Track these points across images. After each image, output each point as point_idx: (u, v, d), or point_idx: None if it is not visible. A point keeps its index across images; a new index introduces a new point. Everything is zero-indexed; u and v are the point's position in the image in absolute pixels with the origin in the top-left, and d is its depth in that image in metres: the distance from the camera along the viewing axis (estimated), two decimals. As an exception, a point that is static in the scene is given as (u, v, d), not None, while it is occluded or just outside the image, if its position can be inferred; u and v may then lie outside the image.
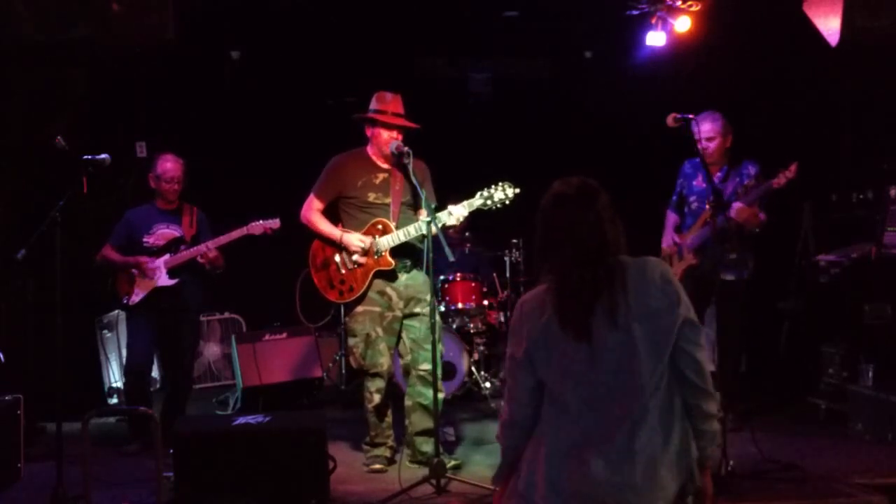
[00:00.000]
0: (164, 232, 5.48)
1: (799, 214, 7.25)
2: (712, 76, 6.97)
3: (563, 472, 2.25)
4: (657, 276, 2.31)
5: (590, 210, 2.36)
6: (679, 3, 6.25)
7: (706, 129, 5.26)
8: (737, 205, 5.07)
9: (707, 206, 5.15)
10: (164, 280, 5.39)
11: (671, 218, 5.64)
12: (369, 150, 4.87)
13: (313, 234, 4.90)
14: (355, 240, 4.72)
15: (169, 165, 5.47)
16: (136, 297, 5.40)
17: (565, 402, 2.29)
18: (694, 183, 5.45)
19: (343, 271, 4.81)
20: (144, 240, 5.45)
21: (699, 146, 5.22)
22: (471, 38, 7.39)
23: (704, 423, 2.34)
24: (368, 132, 4.85)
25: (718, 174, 5.31)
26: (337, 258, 4.82)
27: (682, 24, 6.32)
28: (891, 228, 5.55)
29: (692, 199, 5.45)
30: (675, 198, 5.62)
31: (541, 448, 2.32)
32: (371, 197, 4.80)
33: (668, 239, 5.56)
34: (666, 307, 2.28)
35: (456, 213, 4.63)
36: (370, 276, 4.76)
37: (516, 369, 2.39)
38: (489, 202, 4.64)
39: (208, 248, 5.35)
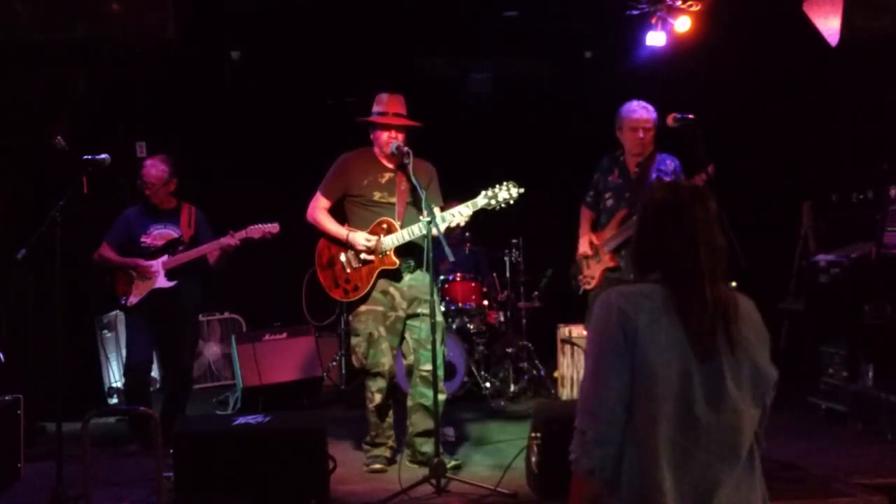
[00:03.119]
0: (162, 232, 5.47)
1: (799, 214, 7.26)
2: (712, 76, 6.98)
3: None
4: (755, 313, 2.12)
5: (717, 217, 2.13)
6: (679, 3, 6.25)
7: (643, 117, 5.05)
8: None
9: (623, 205, 5.04)
10: (161, 282, 5.39)
11: (586, 215, 5.32)
12: (376, 149, 4.88)
13: (319, 233, 4.91)
14: (361, 238, 4.73)
15: (150, 171, 5.43)
16: (134, 299, 5.40)
17: (665, 421, 1.98)
18: (609, 178, 5.19)
19: (348, 270, 4.81)
20: (142, 240, 5.44)
21: (637, 136, 5.12)
22: (471, 38, 7.40)
23: None
24: (371, 135, 4.86)
25: (635, 169, 5.21)
26: (342, 257, 4.82)
27: (682, 24, 6.32)
28: (891, 228, 5.54)
29: (607, 195, 5.16)
30: (592, 192, 5.28)
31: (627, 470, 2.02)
32: (376, 196, 4.80)
33: (587, 239, 5.23)
34: (763, 353, 2.08)
35: (463, 215, 4.62)
36: (375, 275, 4.76)
37: (613, 368, 2.01)
38: (493, 202, 4.63)
39: (232, 237, 5.30)
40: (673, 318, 2.02)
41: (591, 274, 5.11)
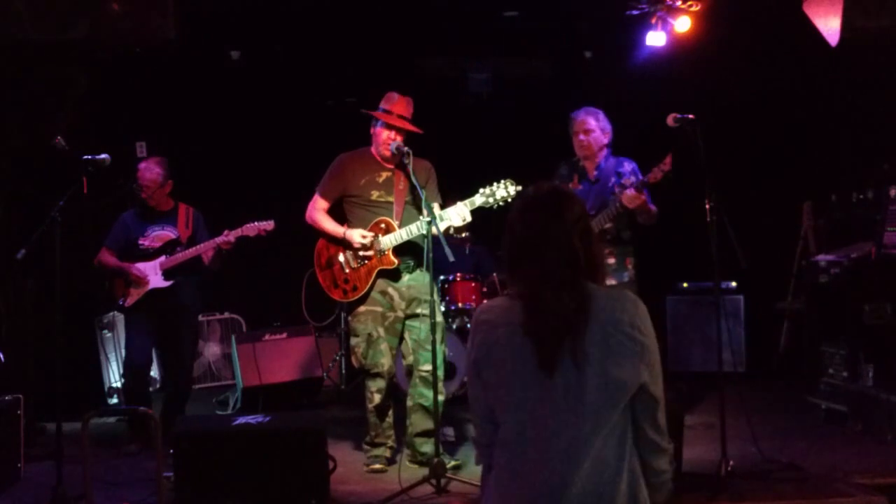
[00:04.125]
0: (160, 234, 5.49)
1: (799, 214, 7.26)
2: (712, 76, 6.97)
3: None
4: (627, 320, 2.04)
5: (558, 220, 2.09)
6: (679, 3, 6.25)
7: (581, 119, 5.20)
8: (629, 192, 4.91)
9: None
10: (158, 282, 5.40)
11: None
12: (373, 149, 4.87)
13: (319, 234, 4.91)
14: (357, 235, 4.72)
15: (144, 174, 5.45)
16: (132, 300, 5.42)
17: (507, 430, 2.08)
18: (570, 186, 5.25)
19: (347, 270, 4.81)
20: (140, 242, 5.46)
21: (577, 139, 5.22)
22: (471, 38, 7.39)
23: (653, 477, 2.11)
24: (371, 130, 4.85)
25: (595, 172, 5.26)
26: (341, 257, 4.82)
27: (682, 24, 6.32)
28: (891, 228, 5.54)
29: None
30: None
31: (491, 472, 2.15)
32: (374, 195, 4.80)
33: None
34: (629, 357, 2.03)
35: (461, 214, 4.62)
36: (374, 274, 4.76)
37: (470, 384, 2.19)
38: (490, 200, 4.63)
39: (227, 235, 5.31)
40: (518, 334, 2.07)
41: None
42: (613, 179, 5.16)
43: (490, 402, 2.13)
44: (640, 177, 5.19)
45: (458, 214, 4.63)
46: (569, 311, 2.03)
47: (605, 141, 5.26)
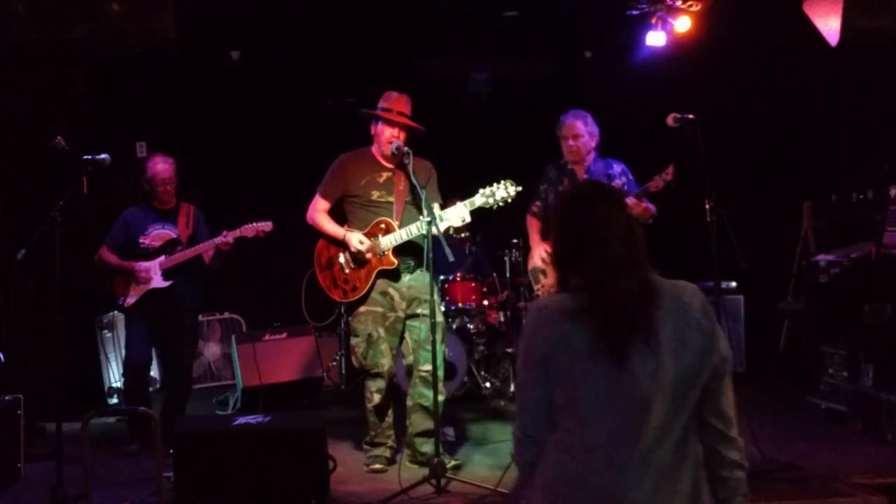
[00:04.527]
0: (160, 233, 5.49)
1: (799, 214, 7.26)
2: (712, 76, 6.98)
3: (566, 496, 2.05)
4: (696, 307, 2.05)
5: (622, 212, 2.13)
6: (679, 3, 6.25)
7: (570, 124, 5.23)
8: (628, 201, 4.90)
9: None
10: (157, 282, 5.40)
11: (535, 225, 5.37)
12: (374, 149, 4.88)
13: (319, 234, 4.91)
14: (355, 240, 4.73)
15: (160, 167, 5.47)
16: (131, 300, 5.42)
17: (576, 423, 2.05)
18: (560, 189, 5.22)
19: (347, 270, 4.81)
20: (140, 241, 5.46)
21: (566, 143, 5.23)
22: (471, 38, 7.39)
23: (725, 470, 2.09)
24: (372, 130, 4.86)
25: (585, 175, 5.26)
26: (341, 258, 4.83)
27: (682, 24, 6.32)
28: (891, 228, 5.55)
29: None
30: (538, 202, 5.35)
31: (546, 465, 2.11)
32: (374, 195, 4.80)
33: (539, 251, 5.28)
34: (701, 344, 2.03)
35: (460, 214, 4.62)
36: (373, 275, 4.76)
37: (529, 380, 2.15)
38: (490, 200, 4.63)
39: (226, 236, 5.33)
40: (588, 325, 2.04)
41: (550, 283, 5.14)
42: (604, 181, 5.16)
43: (559, 398, 2.08)
44: (631, 177, 5.20)
45: (457, 215, 4.63)
46: (638, 299, 2.04)
47: (593, 144, 5.29)
